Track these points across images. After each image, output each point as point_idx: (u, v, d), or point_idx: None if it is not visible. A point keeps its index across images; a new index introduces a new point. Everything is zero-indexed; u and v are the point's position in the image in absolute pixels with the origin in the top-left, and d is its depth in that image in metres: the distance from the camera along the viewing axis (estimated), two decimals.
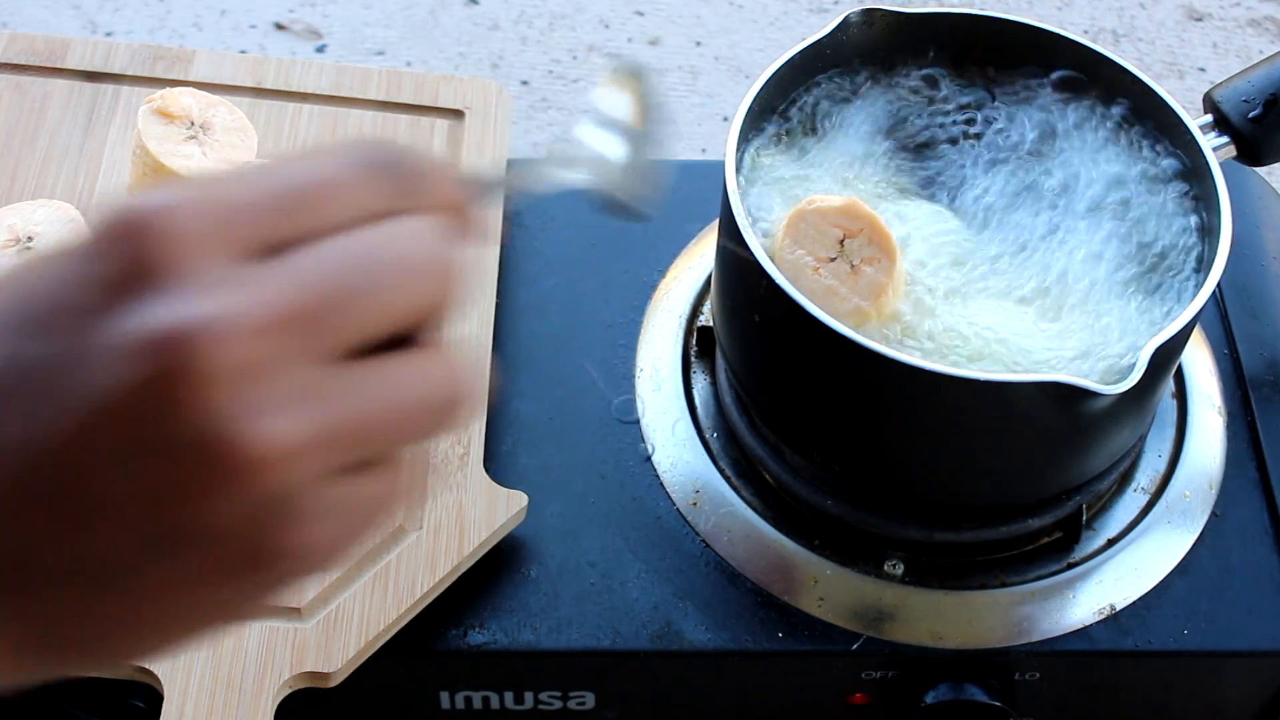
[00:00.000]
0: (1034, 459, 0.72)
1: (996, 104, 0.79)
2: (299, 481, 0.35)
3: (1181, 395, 0.84)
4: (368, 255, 0.36)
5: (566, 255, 0.90)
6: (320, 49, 1.58)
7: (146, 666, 0.69)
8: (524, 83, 1.56)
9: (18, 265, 0.36)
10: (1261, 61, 0.80)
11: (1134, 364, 0.64)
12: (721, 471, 0.80)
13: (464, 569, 0.74)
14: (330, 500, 0.36)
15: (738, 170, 0.73)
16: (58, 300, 0.35)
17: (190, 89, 0.83)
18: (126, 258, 0.34)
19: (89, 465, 0.34)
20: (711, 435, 0.82)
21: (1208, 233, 0.73)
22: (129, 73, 0.92)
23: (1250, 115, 0.78)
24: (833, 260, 0.68)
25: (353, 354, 0.36)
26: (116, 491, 0.34)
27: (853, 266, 0.68)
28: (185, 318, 0.33)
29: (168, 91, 0.82)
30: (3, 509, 0.35)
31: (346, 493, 0.36)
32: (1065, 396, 0.64)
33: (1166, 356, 0.68)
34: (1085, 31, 1.62)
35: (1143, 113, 0.78)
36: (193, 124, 0.82)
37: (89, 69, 0.92)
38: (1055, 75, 0.79)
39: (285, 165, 0.36)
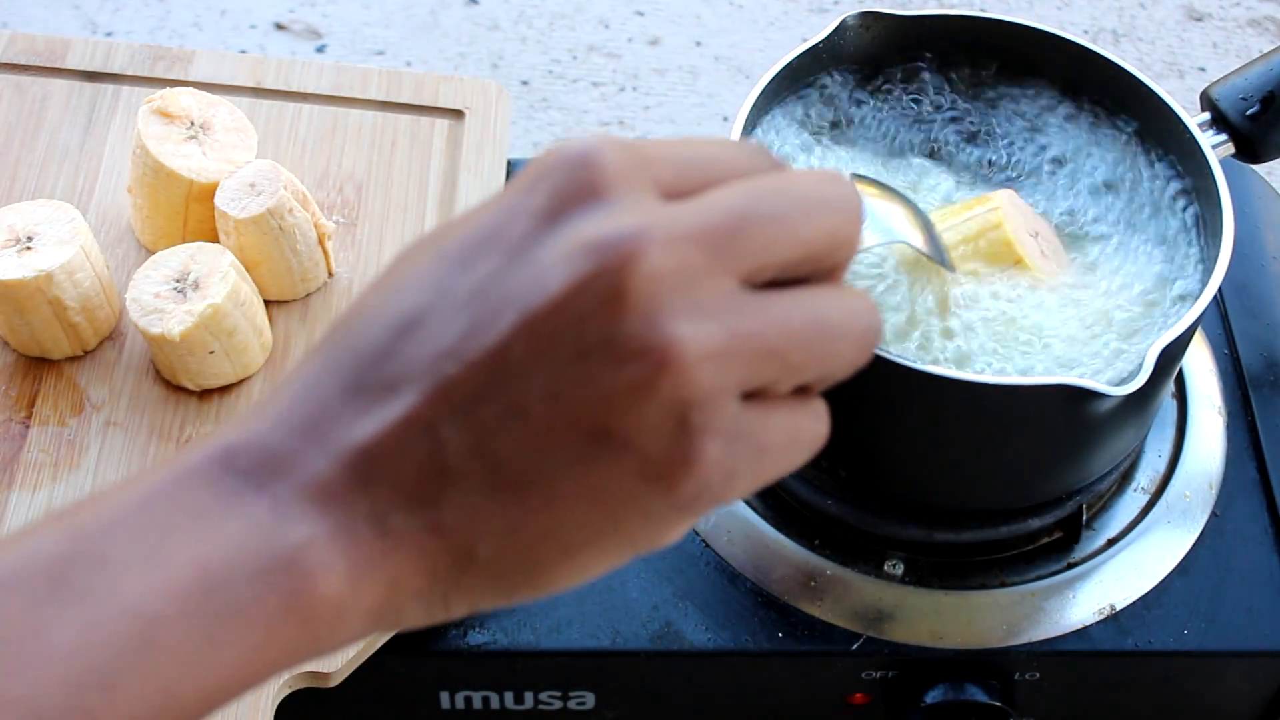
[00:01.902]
0: (1040, 461, 0.72)
1: (995, 106, 0.79)
2: (714, 389, 0.36)
3: (1181, 395, 0.84)
4: (777, 187, 0.38)
5: None
6: (320, 49, 1.58)
7: None
8: (524, 83, 1.56)
9: (464, 211, 0.39)
10: (1258, 59, 0.80)
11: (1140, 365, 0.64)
12: None
13: None
14: (742, 423, 0.37)
15: None
16: (495, 229, 0.37)
17: (190, 89, 0.83)
18: (562, 185, 0.37)
19: (513, 368, 0.36)
20: None
21: (1209, 233, 0.73)
22: (129, 73, 0.92)
23: (1248, 113, 0.78)
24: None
25: (767, 285, 0.38)
26: (539, 393, 0.36)
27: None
28: (622, 225, 0.36)
29: (168, 91, 0.82)
30: (417, 422, 0.36)
31: (759, 420, 0.37)
32: (1072, 398, 0.64)
33: (1171, 357, 0.68)
34: (1085, 31, 1.62)
35: (1142, 113, 0.78)
36: (193, 124, 0.82)
37: (89, 69, 0.92)
38: (1055, 77, 0.79)
39: (677, 140, 0.40)
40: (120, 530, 0.36)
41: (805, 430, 0.39)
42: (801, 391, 0.39)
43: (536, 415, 0.36)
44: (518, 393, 0.36)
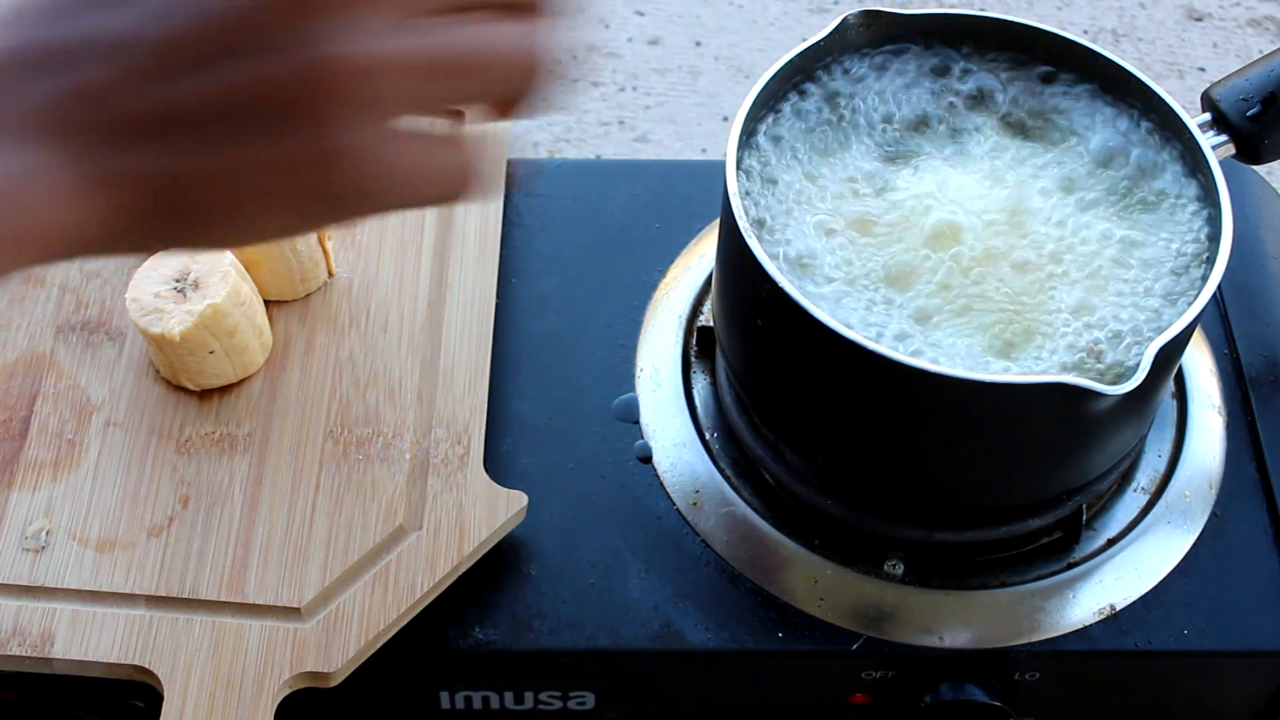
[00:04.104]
0: (1037, 460, 0.72)
1: (994, 103, 0.79)
2: (373, 98, 0.41)
3: (1181, 395, 0.84)
4: None
5: (566, 255, 0.90)
6: None
7: (147, 666, 0.69)
8: None
9: None
10: (1259, 60, 0.80)
11: (1137, 364, 0.65)
12: (721, 471, 0.80)
13: (464, 569, 0.74)
14: (400, 140, 0.43)
15: (738, 170, 0.73)
16: None
17: None
18: None
19: (191, 50, 0.41)
20: (711, 435, 0.82)
21: (1209, 232, 0.73)
22: None
23: (1249, 114, 0.78)
24: None
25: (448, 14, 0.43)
26: (219, 76, 0.41)
27: None
28: None
29: None
30: (94, 89, 0.41)
31: (406, 139, 0.43)
32: (1069, 397, 0.64)
33: (1169, 356, 0.68)
34: (1085, 31, 1.62)
35: (1142, 113, 0.78)
36: None
37: None
38: (1054, 75, 0.79)
39: None
40: None
41: (448, 158, 0.45)
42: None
43: (211, 96, 0.41)
44: (200, 76, 0.41)
